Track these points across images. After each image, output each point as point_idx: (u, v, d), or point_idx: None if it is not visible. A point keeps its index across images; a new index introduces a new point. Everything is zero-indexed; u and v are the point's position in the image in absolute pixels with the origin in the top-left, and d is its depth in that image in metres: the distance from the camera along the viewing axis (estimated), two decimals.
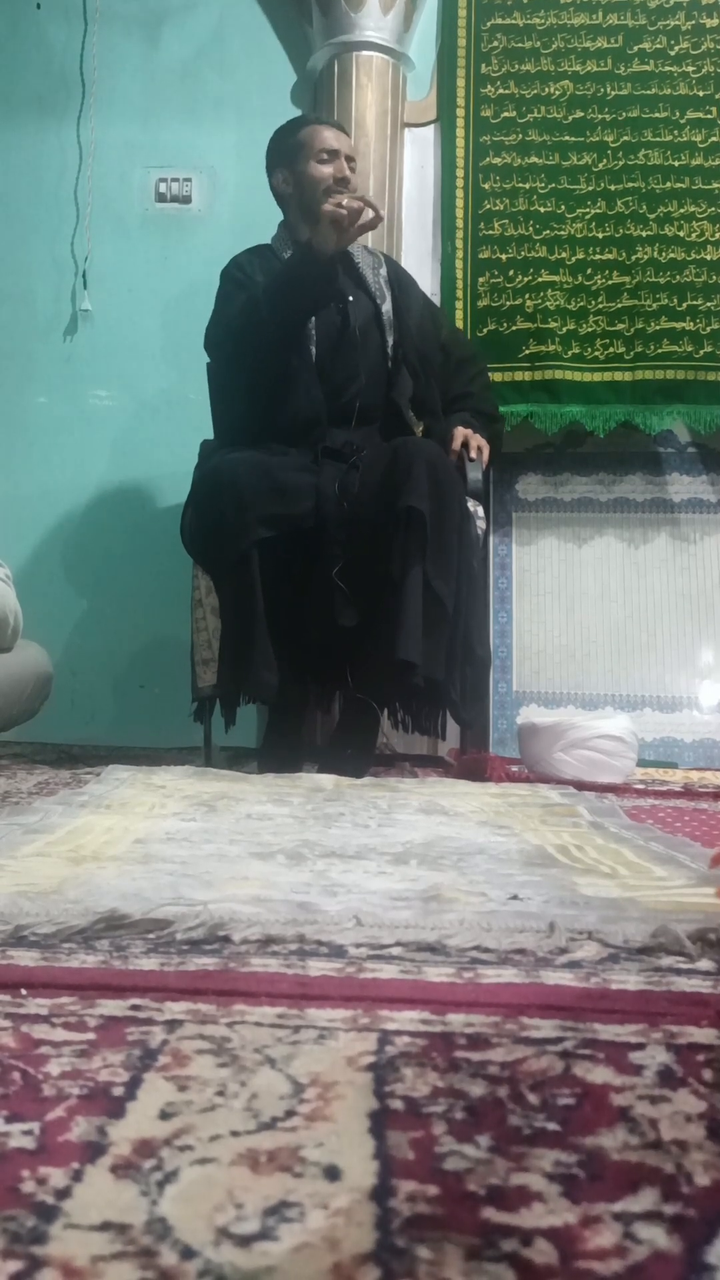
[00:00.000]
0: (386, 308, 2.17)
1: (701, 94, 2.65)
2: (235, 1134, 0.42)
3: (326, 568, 1.91)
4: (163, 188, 2.84)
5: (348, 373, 2.08)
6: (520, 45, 2.69)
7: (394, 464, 1.89)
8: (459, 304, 2.65)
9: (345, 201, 1.90)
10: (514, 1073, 0.49)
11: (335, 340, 2.09)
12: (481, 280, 2.65)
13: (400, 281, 2.23)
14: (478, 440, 2.10)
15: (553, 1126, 0.43)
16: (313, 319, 2.05)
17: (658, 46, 2.66)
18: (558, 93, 2.68)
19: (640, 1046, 0.52)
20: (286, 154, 2.16)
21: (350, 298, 2.12)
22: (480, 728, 2.23)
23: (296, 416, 2.03)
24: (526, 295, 2.62)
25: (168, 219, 2.84)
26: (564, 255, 2.63)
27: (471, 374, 2.26)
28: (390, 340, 2.15)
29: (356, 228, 1.90)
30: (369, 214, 1.89)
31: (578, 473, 2.72)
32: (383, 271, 2.21)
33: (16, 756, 2.23)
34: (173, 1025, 0.54)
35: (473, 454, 2.07)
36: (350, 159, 2.14)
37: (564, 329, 2.61)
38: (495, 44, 2.71)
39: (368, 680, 1.90)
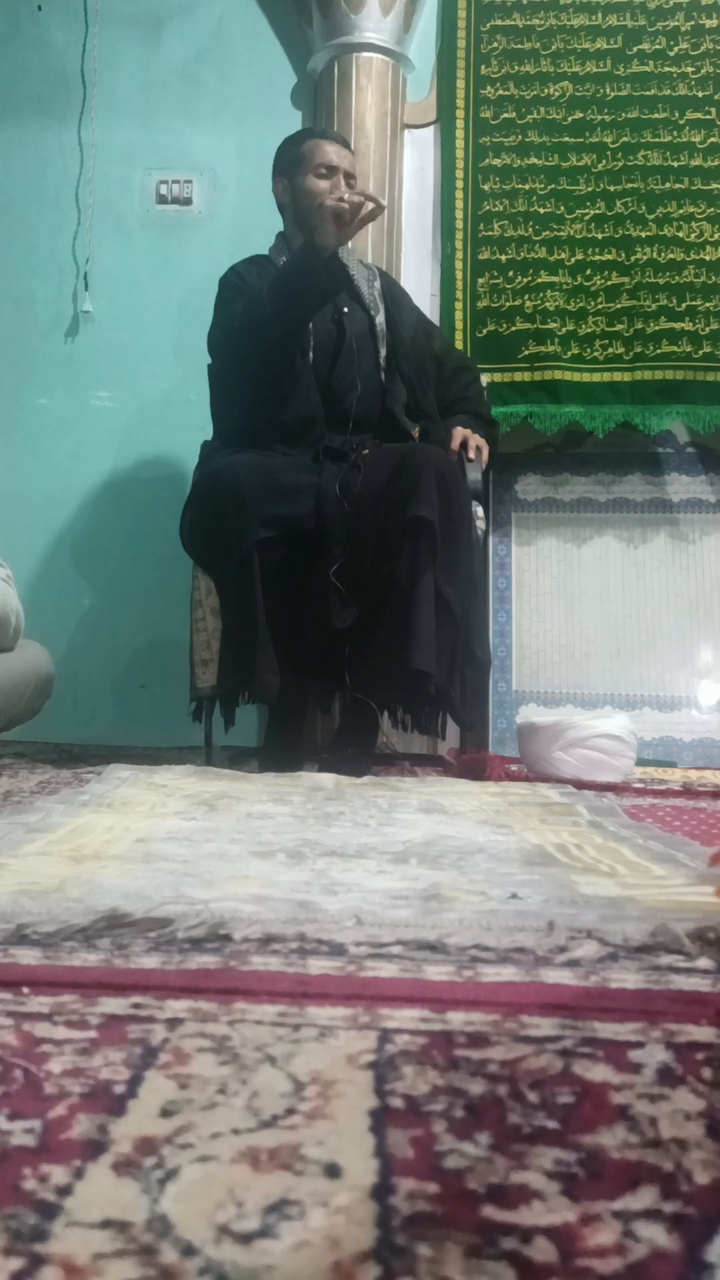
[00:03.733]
0: (380, 320, 2.17)
1: (701, 95, 2.66)
2: (236, 1132, 0.42)
3: (326, 567, 1.91)
4: (163, 189, 2.84)
5: (346, 381, 2.08)
6: (520, 46, 2.69)
7: (401, 470, 1.90)
8: (459, 305, 2.65)
9: (346, 196, 1.90)
10: (514, 1071, 0.49)
11: (333, 350, 2.10)
12: (481, 281, 2.66)
13: (393, 294, 2.24)
14: (476, 440, 2.10)
15: (552, 1125, 0.43)
16: (310, 328, 2.06)
17: (657, 47, 2.67)
18: (557, 94, 2.68)
19: (639, 1045, 0.52)
20: (288, 165, 2.18)
21: (345, 309, 2.13)
22: (480, 727, 2.23)
23: (297, 418, 2.04)
24: (526, 296, 2.62)
25: (168, 220, 2.84)
26: (563, 256, 2.63)
27: (467, 381, 2.27)
28: (383, 351, 2.16)
29: (358, 221, 1.90)
30: (369, 206, 1.90)
31: (577, 473, 2.72)
32: (376, 285, 2.22)
33: (18, 756, 2.23)
34: (174, 1023, 0.54)
35: (471, 454, 2.07)
36: (350, 175, 2.14)
37: (563, 329, 2.61)
38: (495, 45, 2.71)
39: (367, 681, 1.90)
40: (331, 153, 2.14)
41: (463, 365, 2.33)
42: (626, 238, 2.62)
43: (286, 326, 1.96)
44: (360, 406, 2.09)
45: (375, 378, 2.15)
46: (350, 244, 2.16)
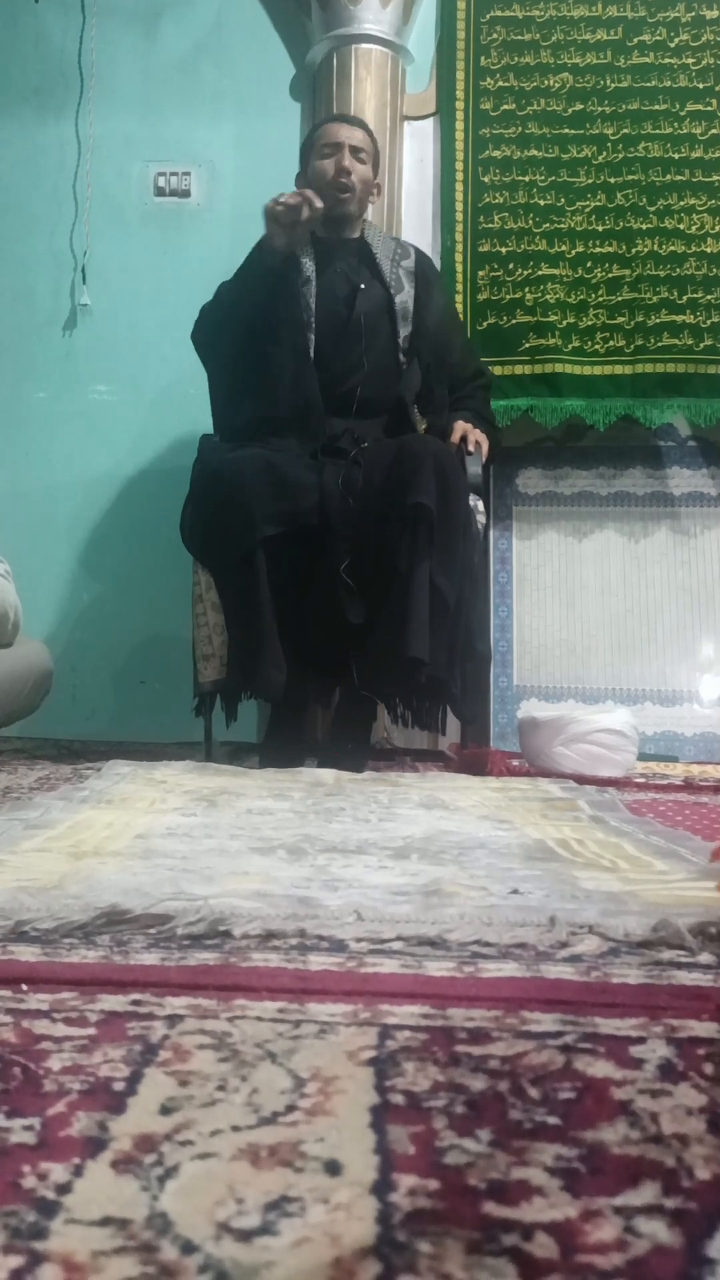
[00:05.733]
0: (401, 299, 2.15)
1: (701, 86, 2.64)
2: (236, 1129, 0.42)
3: (331, 565, 1.90)
4: (161, 181, 2.83)
5: (350, 362, 2.07)
6: (520, 37, 2.68)
7: (400, 460, 1.89)
8: (459, 297, 2.64)
9: (283, 197, 1.90)
10: (514, 1067, 0.49)
11: (338, 328, 2.08)
12: (481, 273, 2.65)
13: (426, 277, 2.22)
14: (476, 434, 2.09)
15: (553, 1120, 0.43)
16: (313, 306, 2.07)
17: (658, 38, 2.65)
18: (557, 85, 2.67)
19: (641, 1040, 0.52)
20: (304, 153, 2.22)
21: (363, 285, 2.12)
22: (481, 722, 2.23)
23: (289, 405, 2.03)
24: (526, 288, 2.61)
25: (166, 213, 2.83)
26: (564, 248, 2.62)
27: (476, 385, 2.26)
28: (402, 333, 2.14)
29: (304, 221, 1.91)
30: (306, 211, 1.90)
31: (578, 466, 2.72)
32: (406, 263, 2.20)
33: (17, 752, 2.23)
34: (173, 1020, 0.54)
35: (470, 448, 2.06)
36: (357, 149, 2.13)
37: (564, 322, 2.60)
38: (494, 36, 2.70)
39: (373, 677, 1.90)
40: (335, 131, 2.15)
41: (478, 370, 2.31)
42: (627, 230, 2.61)
43: (245, 320, 2.00)
44: (369, 389, 2.08)
45: (390, 359, 2.13)
46: (368, 218, 2.24)
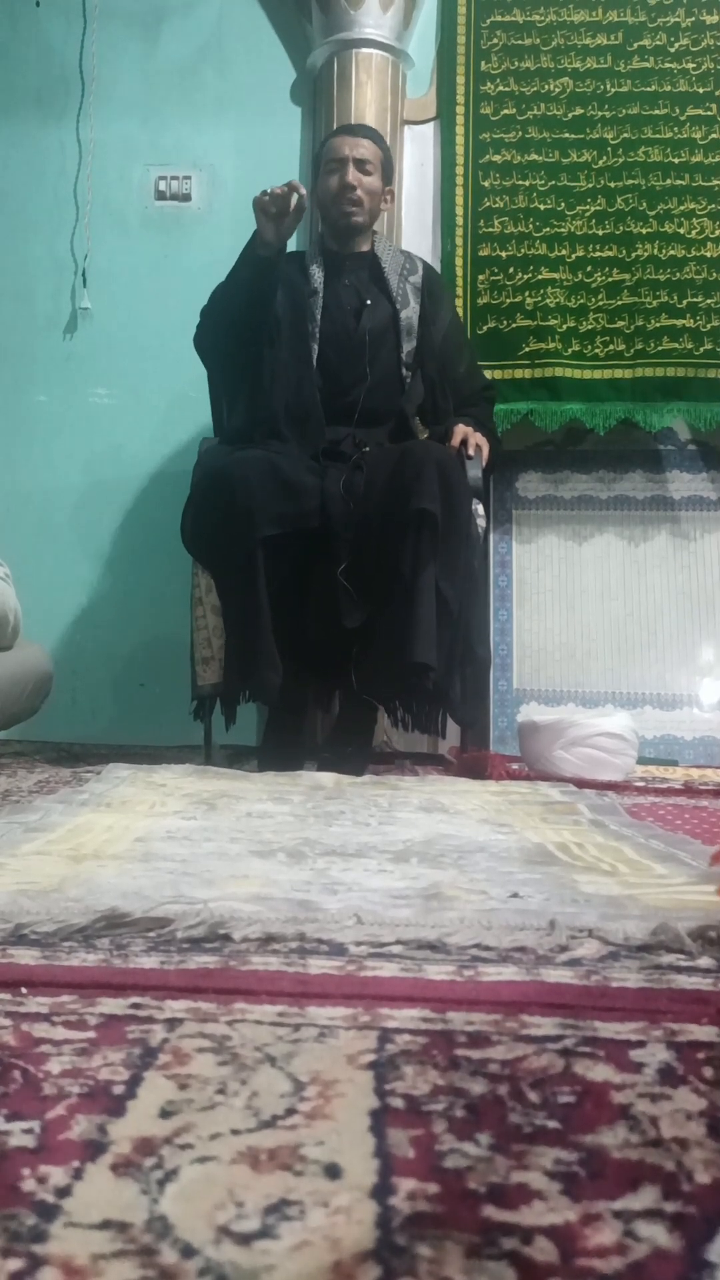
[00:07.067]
0: (406, 314, 2.17)
1: (701, 91, 2.65)
2: (236, 1132, 0.42)
3: (331, 568, 1.91)
4: (162, 185, 2.84)
5: (354, 373, 2.09)
6: (520, 42, 2.69)
7: (403, 466, 1.90)
8: (459, 302, 2.64)
9: (270, 190, 1.91)
10: (514, 1070, 0.49)
11: (343, 340, 2.10)
12: (481, 278, 2.65)
13: (433, 291, 2.23)
14: (477, 438, 2.10)
15: (553, 1124, 0.43)
16: (318, 317, 2.08)
17: (658, 43, 2.66)
18: (558, 90, 2.67)
19: (641, 1044, 0.52)
20: (315, 167, 2.24)
21: (369, 300, 2.13)
22: (480, 726, 2.23)
23: (288, 409, 2.04)
24: (526, 292, 2.62)
25: (167, 217, 2.84)
26: (564, 252, 2.63)
27: (479, 399, 2.26)
28: (406, 347, 2.15)
29: (293, 213, 1.91)
30: (294, 200, 1.90)
31: (578, 470, 2.72)
32: (414, 279, 2.21)
33: (17, 755, 2.23)
34: (173, 1023, 0.54)
35: (470, 451, 2.07)
36: (362, 161, 2.13)
37: (564, 326, 2.61)
38: (495, 41, 2.70)
39: (372, 680, 1.90)
40: (340, 145, 2.16)
41: (485, 384, 2.32)
42: (627, 234, 2.62)
43: (237, 314, 2.00)
44: (372, 400, 2.10)
45: (394, 372, 2.15)
46: (381, 231, 2.26)
